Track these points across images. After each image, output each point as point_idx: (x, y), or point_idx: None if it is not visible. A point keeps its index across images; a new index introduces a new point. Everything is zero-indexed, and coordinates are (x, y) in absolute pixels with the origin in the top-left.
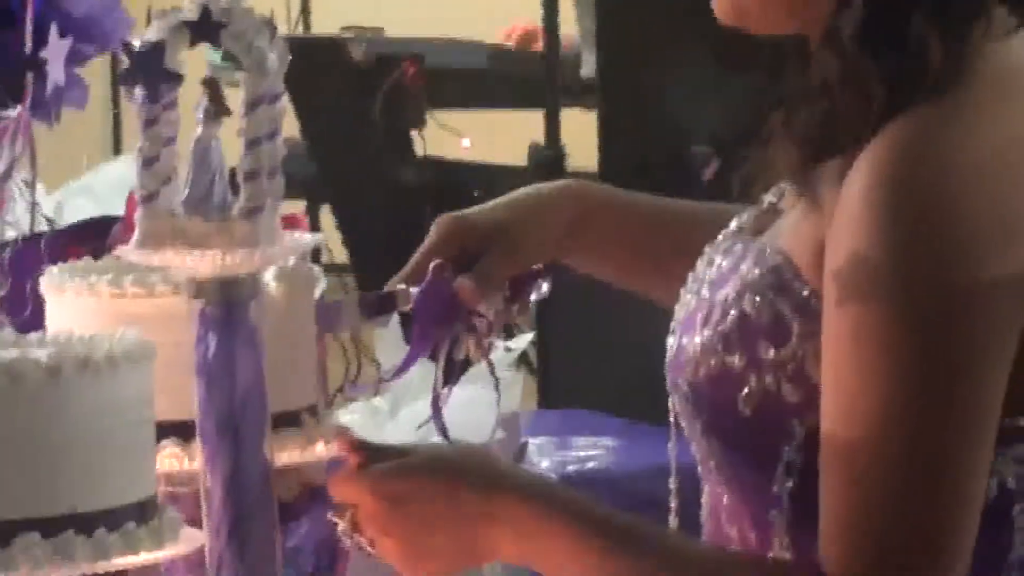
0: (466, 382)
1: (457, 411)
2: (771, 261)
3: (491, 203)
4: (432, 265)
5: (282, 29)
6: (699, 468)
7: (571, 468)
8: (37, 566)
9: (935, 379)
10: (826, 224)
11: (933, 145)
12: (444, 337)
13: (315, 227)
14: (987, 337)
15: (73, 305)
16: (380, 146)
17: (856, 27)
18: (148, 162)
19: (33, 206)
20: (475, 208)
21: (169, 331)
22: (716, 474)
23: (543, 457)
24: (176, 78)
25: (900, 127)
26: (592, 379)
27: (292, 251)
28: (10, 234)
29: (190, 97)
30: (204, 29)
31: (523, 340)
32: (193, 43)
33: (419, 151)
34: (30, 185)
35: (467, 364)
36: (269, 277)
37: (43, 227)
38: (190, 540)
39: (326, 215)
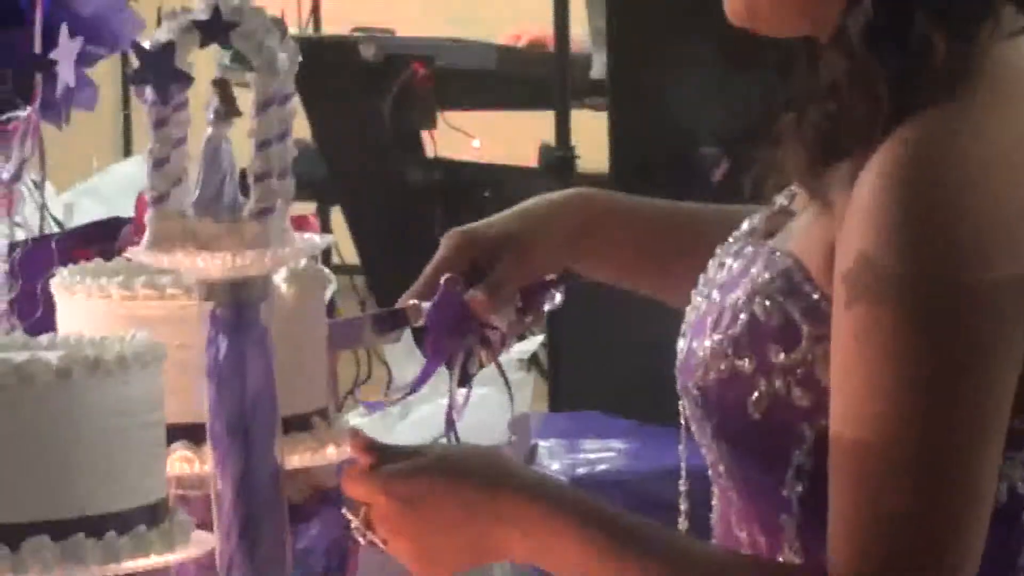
0: (477, 384)
1: (468, 413)
2: (781, 264)
3: (498, 215)
4: (443, 279)
5: (292, 30)
6: (709, 471)
7: (581, 470)
8: (47, 569)
9: (943, 380)
10: (836, 227)
11: (941, 147)
12: (457, 350)
13: (325, 228)
14: (995, 338)
15: (83, 307)
16: (390, 147)
17: (864, 27)
18: (158, 163)
19: (43, 207)
20: (483, 221)
21: (179, 333)
22: (726, 477)
23: (553, 459)
24: (186, 79)
25: (909, 129)
26: (602, 381)
27: (303, 252)
28: (20, 235)
29: (200, 98)
30: (214, 30)
31: (533, 342)
32: (203, 44)
33: (429, 152)
34: (39, 186)
35: (480, 366)
36: (280, 279)
37: (52, 228)
38: (201, 543)
39: (336, 216)
